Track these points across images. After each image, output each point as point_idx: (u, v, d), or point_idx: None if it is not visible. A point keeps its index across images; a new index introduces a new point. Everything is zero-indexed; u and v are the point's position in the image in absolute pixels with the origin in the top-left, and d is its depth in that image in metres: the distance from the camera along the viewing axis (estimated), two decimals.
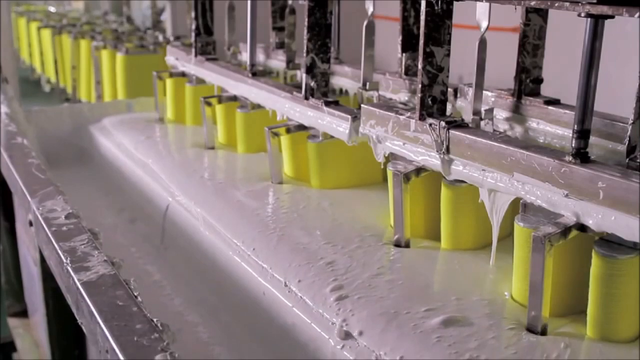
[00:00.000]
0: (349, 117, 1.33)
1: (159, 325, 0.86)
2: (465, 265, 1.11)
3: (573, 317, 0.95)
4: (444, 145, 1.10)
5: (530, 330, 0.92)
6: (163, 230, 1.54)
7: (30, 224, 1.34)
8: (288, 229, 1.25)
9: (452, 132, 1.09)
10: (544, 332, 0.91)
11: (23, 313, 2.17)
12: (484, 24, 1.17)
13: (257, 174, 1.57)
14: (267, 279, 1.15)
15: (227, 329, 1.24)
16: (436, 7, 1.11)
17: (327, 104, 1.40)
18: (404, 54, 1.51)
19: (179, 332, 0.99)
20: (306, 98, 1.46)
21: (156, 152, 1.79)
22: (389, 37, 1.85)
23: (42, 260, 1.35)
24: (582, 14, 0.90)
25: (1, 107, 1.95)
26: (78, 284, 0.98)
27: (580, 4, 0.89)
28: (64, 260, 1.06)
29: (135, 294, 0.94)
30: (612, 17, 0.89)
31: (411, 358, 0.87)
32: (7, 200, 1.99)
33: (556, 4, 0.94)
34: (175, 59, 2.13)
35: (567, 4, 0.92)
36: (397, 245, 1.18)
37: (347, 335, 0.95)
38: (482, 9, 1.17)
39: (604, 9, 0.87)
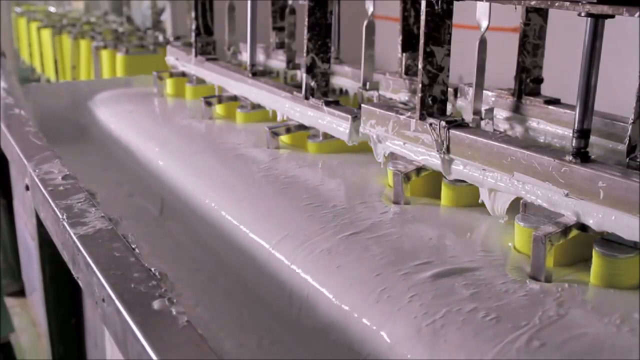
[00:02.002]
0: (349, 116, 1.33)
1: (157, 273, 0.84)
2: (467, 219, 1.09)
3: (577, 267, 0.94)
4: (444, 145, 1.10)
5: (534, 279, 0.90)
6: (162, 202, 1.53)
7: (27, 188, 1.32)
8: (278, 191, 1.25)
9: (452, 131, 1.09)
10: (548, 281, 0.89)
11: (20, 293, 2.17)
12: (484, 24, 1.17)
13: (252, 141, 1.55)
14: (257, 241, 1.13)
15: (225, 295, 1.22)
16: (436, 7, 1.11)
17: (328, 103, 1.40)
18: (404, 54, 1.51)
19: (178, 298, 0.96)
20: (306, 98, 1.46)
21: (150, 123, 1.77)
22: (389, 37, 1.85)
23: (39, 225, 1.33)
24: (582, 14, 0.90)
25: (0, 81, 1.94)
26: (74, 237, 0.96)
27: (580, 4, 0.90)
28: (60, 217, 1.03)
29: (133, 246, 0.92)
30: (612, 16, 0.89)
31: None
32: (6, 180, 1.99)
33: (556, 4, 0.94)
34: (176, 59, 2.13)
35: (567, 3, 0.92)
36: (396, 203, 1.16)
37: None
38: (482, 9, 1.17)
39: (604, 9, 0.87)
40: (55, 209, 1.07)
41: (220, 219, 1.25)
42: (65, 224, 1.01)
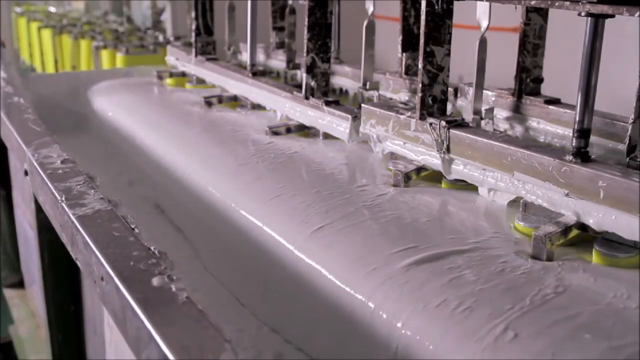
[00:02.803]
0: (350, 116, 1.33)
1: (156, 252, 0.83)
2: (467, 199, 1.08)
3: (579, 247, 0.93)
4: (445, 145, 1.10)
5: (536, 258, 0.89)
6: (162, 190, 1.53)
7: (26, 173, 1.31)
8: (276, 172, 1.25)
9: (452, 131, 1.10)
10: (549, 260, 0.88)
11: (19, 284, 2.17)
12: (484, 24, 1.17)
13: (253, 127, 1.54)
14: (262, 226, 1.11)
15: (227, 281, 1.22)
16: (436, 7, 1.11)
17: (328, 103, 1.40)
18: (404, 54, 1.51)
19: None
20: (306, 98, 1.46)
21: (148, 111, 1.77)
22: (389, 37, 1.85)
23: (38, 210, 1.32)
24: (583, 13, 0.91)
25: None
26: (73, 218, 0.95)
27: (580, 4, 0.90)
28: (59, 199, 1.03)
29: (133, 226, 0.91)
30: (612, 16, 0.89)
31: None
32: (5, 171, 1.99)
33: (556, 4, 0.94)
34: (176, 59, 2.13)
35: (567, 3, 0.92)
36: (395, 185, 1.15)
37: None
38: (482, 9, 1.17)
39: (604, 8, 0.87)
40: (54, 191, 1.06)
41: (224, 205, 1.24)
42: (64, 205, 1.00)
